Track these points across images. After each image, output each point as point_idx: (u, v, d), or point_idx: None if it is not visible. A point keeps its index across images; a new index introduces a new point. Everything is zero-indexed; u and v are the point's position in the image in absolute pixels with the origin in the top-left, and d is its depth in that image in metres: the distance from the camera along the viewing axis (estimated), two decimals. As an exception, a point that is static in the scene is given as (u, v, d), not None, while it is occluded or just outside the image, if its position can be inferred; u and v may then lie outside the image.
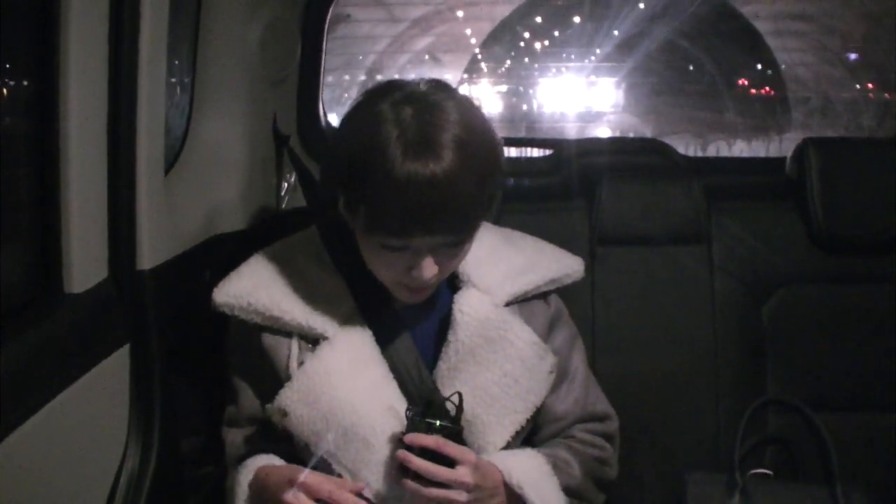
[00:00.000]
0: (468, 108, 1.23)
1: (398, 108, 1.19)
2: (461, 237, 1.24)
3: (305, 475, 1.20)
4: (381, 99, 1.21)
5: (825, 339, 1.79)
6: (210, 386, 1.48)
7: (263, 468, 1.30)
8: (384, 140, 1.16)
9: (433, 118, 1.18)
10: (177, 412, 1.42)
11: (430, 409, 1.25)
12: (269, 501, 1.25)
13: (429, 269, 1.23)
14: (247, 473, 1.30)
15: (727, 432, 1.70)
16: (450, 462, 1.21)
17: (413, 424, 1.22)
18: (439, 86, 1.25)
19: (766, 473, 1.62)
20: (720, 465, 1.66)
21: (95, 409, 1.25)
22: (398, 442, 1.22)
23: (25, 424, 1.07)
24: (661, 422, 1.75)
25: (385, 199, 1.17)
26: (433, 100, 1.20)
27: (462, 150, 1.17)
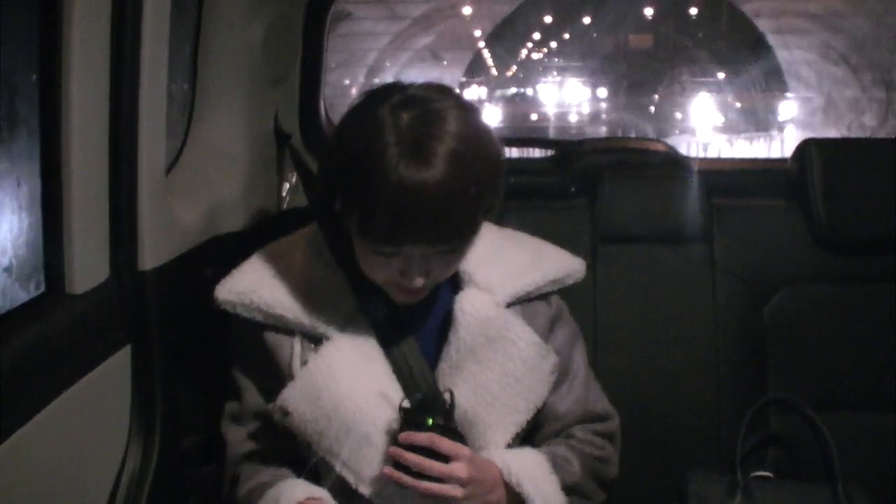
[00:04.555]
0: (470, 118, 1.22)
1: (396, 114, 1.18)
2: (454, 247, 1.23)
3: None
4: (380, 102, 1.20)
5: (827, 338, 1.78)
6: (212, 386, 1.48)
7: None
8: (380, 146, 1.16)
9: (431, 127, 1.17)
10: (178, 412, 1.42)
11: (423, 405, 1.25)
12: None
13: (419, 276, 1.23)
14: None
15: (728, 431, 1.70)
16: (445, 459, 1.20)
17: (406, 422, 1.22)
18: (442, 90, 1.24)
19: (767, 476, 1.62)
20: (721, 463, 1.66)
21: (97, 410, 1.25)
22: (395, 439, 1.22)
23: (27, 425, 1.07)
24: (662, 421, 1.75)
25: (377, 206, 1.16)
26: (434, 107, 1.19)
27: (457, 162, 1.16)
